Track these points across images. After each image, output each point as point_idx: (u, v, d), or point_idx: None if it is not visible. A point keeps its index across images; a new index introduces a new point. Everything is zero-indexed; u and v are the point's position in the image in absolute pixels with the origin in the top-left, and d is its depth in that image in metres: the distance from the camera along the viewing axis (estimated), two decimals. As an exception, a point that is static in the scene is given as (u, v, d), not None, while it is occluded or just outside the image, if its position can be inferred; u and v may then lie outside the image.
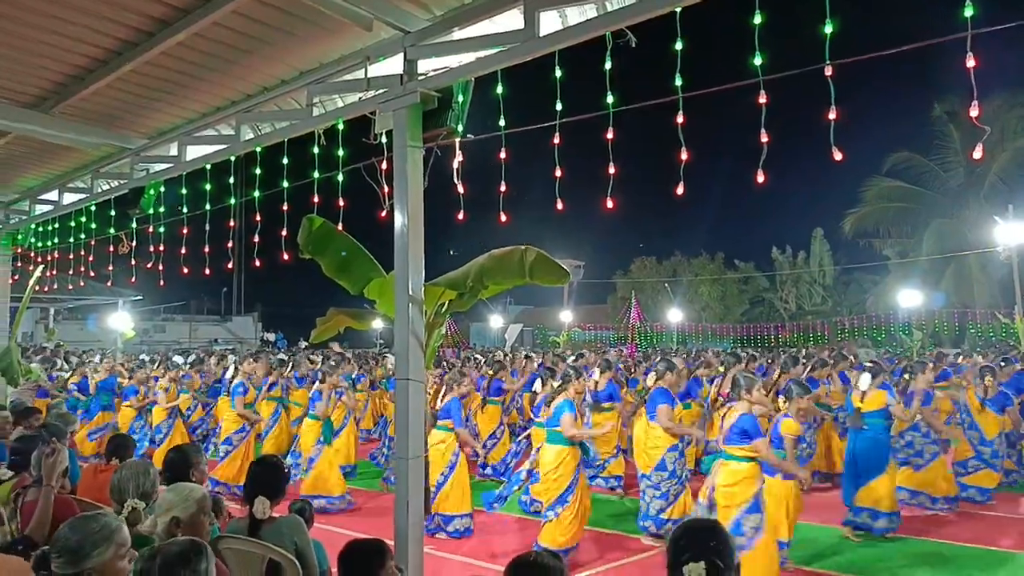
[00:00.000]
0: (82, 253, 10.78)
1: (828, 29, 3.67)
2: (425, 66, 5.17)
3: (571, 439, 6.66)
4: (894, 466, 7.71)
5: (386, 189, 5.45)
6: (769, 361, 14.46)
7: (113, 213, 8.75)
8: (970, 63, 3.38)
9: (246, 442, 9.68)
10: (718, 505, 5.71)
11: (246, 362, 11.45)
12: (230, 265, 7.79)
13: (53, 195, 9.88)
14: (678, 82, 4.15)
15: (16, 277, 11.68)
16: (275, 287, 51.82)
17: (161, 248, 8.77)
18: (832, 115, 3.75)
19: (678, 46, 4.11)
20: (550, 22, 4.51)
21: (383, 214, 5.39)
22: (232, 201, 7.69)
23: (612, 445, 9.47)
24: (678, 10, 3.95)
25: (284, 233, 6.50)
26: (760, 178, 3.95)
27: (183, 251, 8.48)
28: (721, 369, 10.96)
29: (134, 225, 8.72)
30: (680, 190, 4.35)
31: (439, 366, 15.35)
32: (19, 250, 11.27)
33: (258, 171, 6.88)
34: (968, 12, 3.37)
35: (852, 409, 7.78)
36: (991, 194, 28.88)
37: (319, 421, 9.01)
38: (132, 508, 3.52)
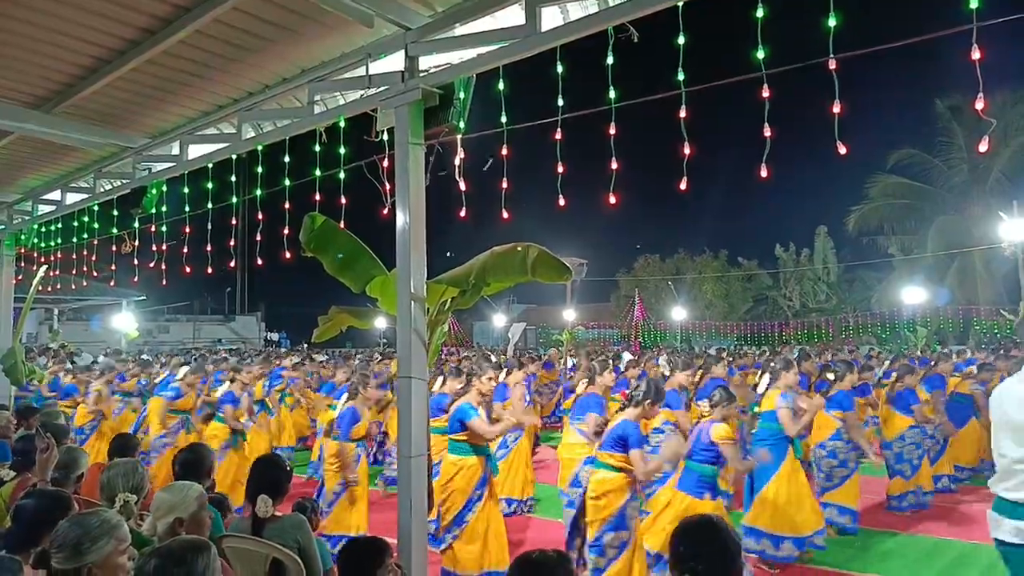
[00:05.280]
0: (85, 253, 10.78)
1: (832, 22, 3.65)
2: (426, 63, 5.16)
3: (485, 443, 6.04)
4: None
5: (388, 187, 5.44)
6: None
7: (116, 213, 8.76)
8: (975, 55, 3.35)
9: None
10: (584, 517, 5.34)
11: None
12: (233, 264, 7.78)
13: (56, 195, 9.89)
14: (681, 77, 4.13)
15: (19, 278, 11.67)
16: (278, 286, 51.99)
17: (164, 247, 8.78)
18: (836, 109, 3.73)
19: (680, 40, 4.09)
20: (551, 17, 4.49)
21: (385, 212, 5.38)
22: (234, 200, 7.69)
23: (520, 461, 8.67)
24: (680, 4, 3.93)
25: (286, 231, 6.50)
26: (764, 172, 3.93)
27: (186, 250, 8.48)
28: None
29: (137, 225, 8.72)
30: (683, 186, 4.33)
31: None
32: (22, 250, 11.27)
33: (260, 169, 6.87)
34: (973, 4, 3.35)
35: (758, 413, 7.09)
36: (995, 190, 28.81)
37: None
38: (124, 502, 3.52)
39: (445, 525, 5.97)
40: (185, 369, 10.14)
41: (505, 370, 9.60)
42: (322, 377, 13.74)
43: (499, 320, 41.07)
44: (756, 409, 7.07)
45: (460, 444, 6.14)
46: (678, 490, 5.74)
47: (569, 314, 30.55)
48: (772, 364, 7.47)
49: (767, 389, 6.99)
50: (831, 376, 8.14)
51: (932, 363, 10.53)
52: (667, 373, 7.87)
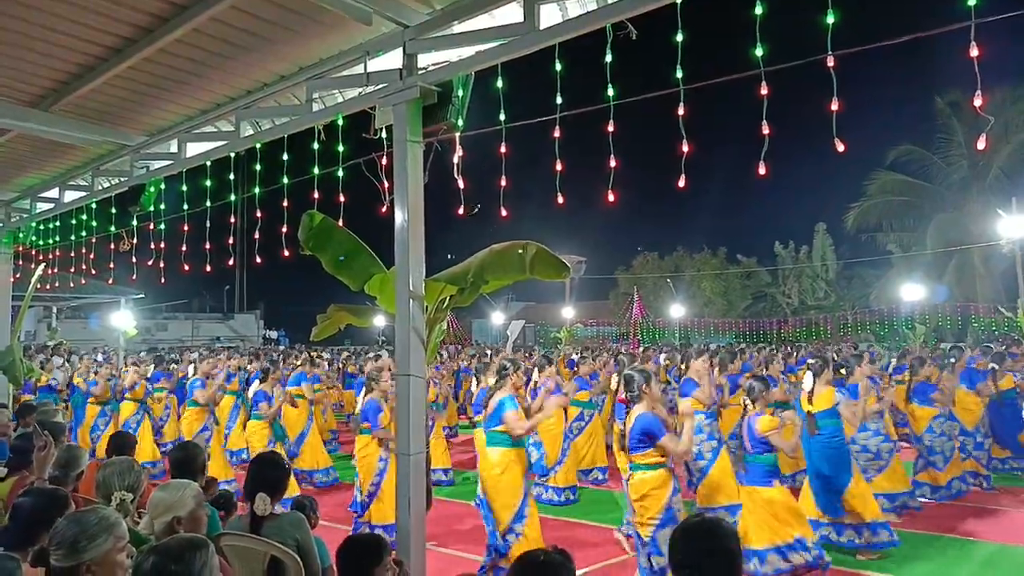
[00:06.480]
0: (83, 251, 10.77)
1: (830, 19, 3.64)
2: (425, 60, 5.15)
3: (517, 438, 6.13)
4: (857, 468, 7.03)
5: (386, 184, 5.43)
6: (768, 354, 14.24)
7: (114, 211, 8.74)
8: (974, 52, 3.35)
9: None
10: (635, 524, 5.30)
11: (205, 362, 11.45)
12: (231, 262, 7.77)
13: (54, 193, 9.89)
14: (679, 74, 4.13)
15: (18, 276, 11.67)
16: (277, 284, 51.88)
17: (162, 245, 8.76)
18: (835, 107, 3.73)
19: (679, 38, 4.08)
20: (550, 15, 4.49)
21: (383, 209, 5.37)
22: (232, 198, 7.68)
23: (558, 447, 8.99)
24: (678, 1, 3.93)
25: (285, 229, 6.49)
26: (762, 170, 3.93)
27: (184, 248, 8.48)
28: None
29: (135, 223, 8.70)
30: (682, 183, 4.33)
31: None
32: (20, 248, 11.27)
33: (258, 167, 6.87)
34: (971, 1, 3.35)
35: (803, 414, 7.05)
36: (994, 187, 28.81)
37: (265, 421, 9.23)
38: (120, 500, 3.51)
39: (504, 528, 5.92)
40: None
41: (536, 368, 9.70)
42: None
43: (498, 318, 41.09)
44: (809, 409, 6.99)
45: (502, 436, 6.25)
46: (747, 485, 6.04)
47: (568, 312, 30.52)
48: (813, 363, 7.51)
49: (813, 387, 7.03)
50: (843, 372, 8.37)
51: (955, 360, 10.44)
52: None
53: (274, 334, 48.52)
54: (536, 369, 9.48)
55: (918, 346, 20.69)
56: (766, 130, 3.89)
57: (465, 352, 22.90)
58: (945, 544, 7.09)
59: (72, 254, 10.91)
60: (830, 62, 3.70)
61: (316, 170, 6.15)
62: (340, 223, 5.72)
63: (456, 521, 8.05)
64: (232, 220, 7.63)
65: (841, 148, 3.74)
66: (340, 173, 6.04)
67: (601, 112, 4.58)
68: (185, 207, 8.03)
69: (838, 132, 3.75)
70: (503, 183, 5.12)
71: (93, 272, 11.33)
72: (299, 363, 13.06)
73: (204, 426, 9.89)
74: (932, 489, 8.56)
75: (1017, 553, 6.89)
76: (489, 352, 18.17)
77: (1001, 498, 8.77)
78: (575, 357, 15.38)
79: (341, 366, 17.06)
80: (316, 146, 6.16)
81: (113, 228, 9.07)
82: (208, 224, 7.98)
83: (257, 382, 9.73)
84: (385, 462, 7.41)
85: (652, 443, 5.19)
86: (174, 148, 7.63)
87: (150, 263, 8.99)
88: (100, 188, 9.04)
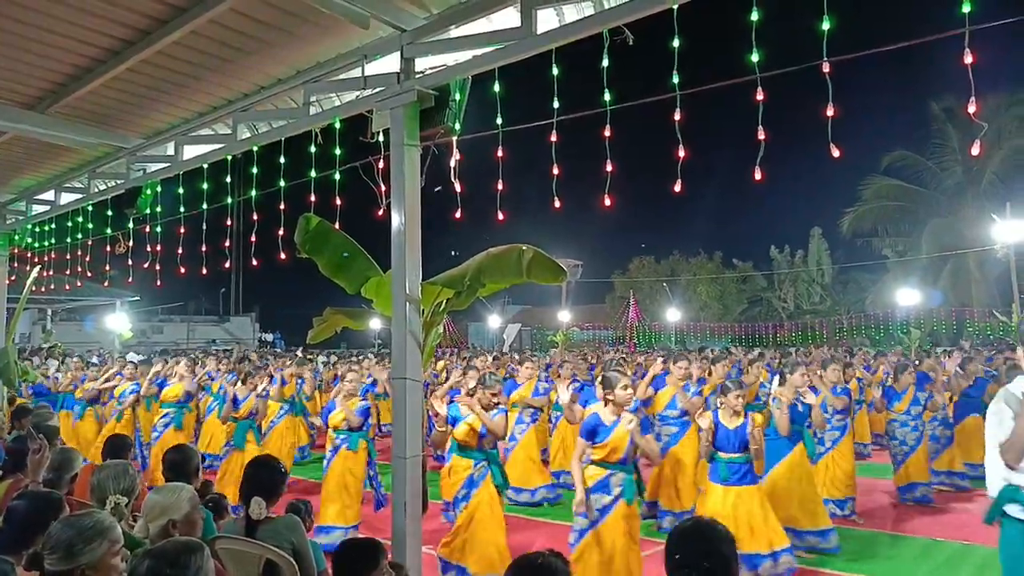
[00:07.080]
0: (79, 253, 10.74)
1: (826, 26, 3.66)
2: (422, 64, 5.16)
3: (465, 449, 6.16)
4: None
5: (383, 188, 5.44)
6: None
7: (110, 213, 8.73)
8: (968, 59, 3.38)
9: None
10: None
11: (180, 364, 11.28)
12: (227, 265, 7.77)
13: (50, 195, 9.87)
14: (675, 80, 4.14)
15: (13, 278, 11.64)
16: (273, 287, 51.70)
17: (158, 248, 8.74)
18: (830, 112, 3.74)
19: (676, 43, 4.10)
20: (547, 20, 4.50)
21: (380, 213, 5.38)
22: (229, 201, 7.67)
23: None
24: (675, 7, 3.94)
25: (281, 232, 6.48)
26: (758, 175, 3.94)
27: (180, 251, 8.47)
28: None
29: (131, 225, 8.69)
30: (678, 188, 4.34)
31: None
32: (16, 251, 11.23)
33: (255, 170, 6.86)
34: (966, 8, 3.37)
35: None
36: (988, 192, 28.97)
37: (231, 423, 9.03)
38: (115, 504, 3.50)
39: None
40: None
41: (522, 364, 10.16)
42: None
43: (494, 321, 41.13)
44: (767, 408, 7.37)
45: (454, 443, 6.31)
46: (709, 480, 6.25)
47: (564, 315, 30.51)
48: (784, 367, 7.68)
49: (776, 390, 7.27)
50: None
51: (918, 362, 10.59)
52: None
53: (269, 337, 48.38)
54: (522, 365, 9.71)
55: (913, 349, 20.74)
56: (762, 135, 3.90)
57: (459, 355, 22.92)
58: (934, 547, 7.12)
59: (68, 256, 10.89)
60: (826, 68, 3.72)
61: (313, 173, 6.16)
62: (337, 226, 5.71)
63: (434, 520, 8.00)
64: (228, 223, 7.62)
65: (837, 153, 3.76)
66: (337, 176, 6.04)
67: (598, 117, 4.61)
68: (181, 210, 8.03)
69: (834, 137, 3.76)
70: (500, 187, 5.13)
71: (89, 274, 11.32)
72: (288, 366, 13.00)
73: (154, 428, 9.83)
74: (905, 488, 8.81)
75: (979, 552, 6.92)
76: (483, 354, 18.20)
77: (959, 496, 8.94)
78: (554, 363, 15.67)
79: (333, 370, 17.00)
80: (313, 149, 6.17)
81: (109, 230, 9.06)
82: (204, 227, 7.98)
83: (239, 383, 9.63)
84: (328, 461, 7.50)
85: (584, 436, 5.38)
86: (171, 151, 7.62)
87: (146, 266, 8.98)
88: (96, 190, 9.03)
